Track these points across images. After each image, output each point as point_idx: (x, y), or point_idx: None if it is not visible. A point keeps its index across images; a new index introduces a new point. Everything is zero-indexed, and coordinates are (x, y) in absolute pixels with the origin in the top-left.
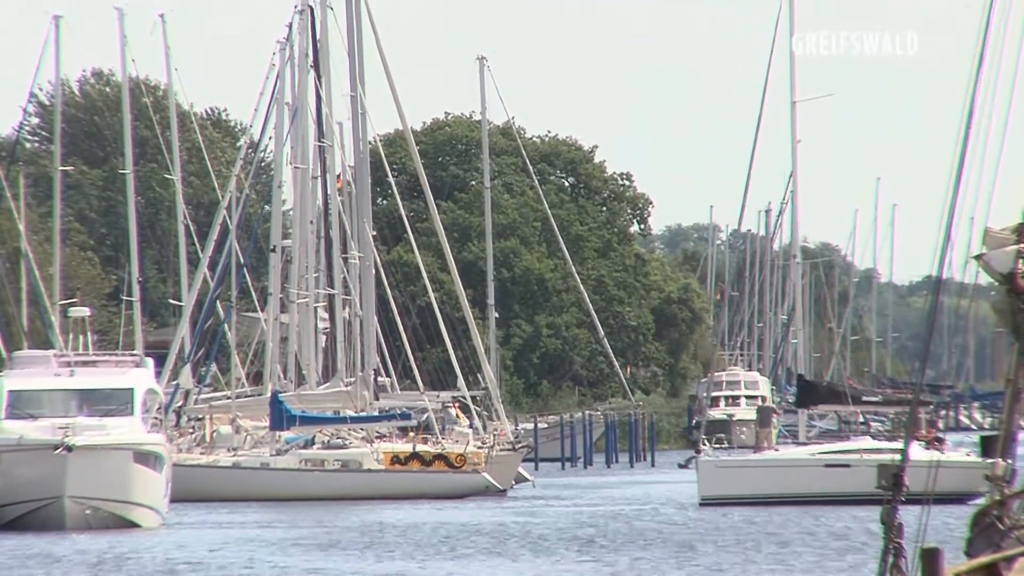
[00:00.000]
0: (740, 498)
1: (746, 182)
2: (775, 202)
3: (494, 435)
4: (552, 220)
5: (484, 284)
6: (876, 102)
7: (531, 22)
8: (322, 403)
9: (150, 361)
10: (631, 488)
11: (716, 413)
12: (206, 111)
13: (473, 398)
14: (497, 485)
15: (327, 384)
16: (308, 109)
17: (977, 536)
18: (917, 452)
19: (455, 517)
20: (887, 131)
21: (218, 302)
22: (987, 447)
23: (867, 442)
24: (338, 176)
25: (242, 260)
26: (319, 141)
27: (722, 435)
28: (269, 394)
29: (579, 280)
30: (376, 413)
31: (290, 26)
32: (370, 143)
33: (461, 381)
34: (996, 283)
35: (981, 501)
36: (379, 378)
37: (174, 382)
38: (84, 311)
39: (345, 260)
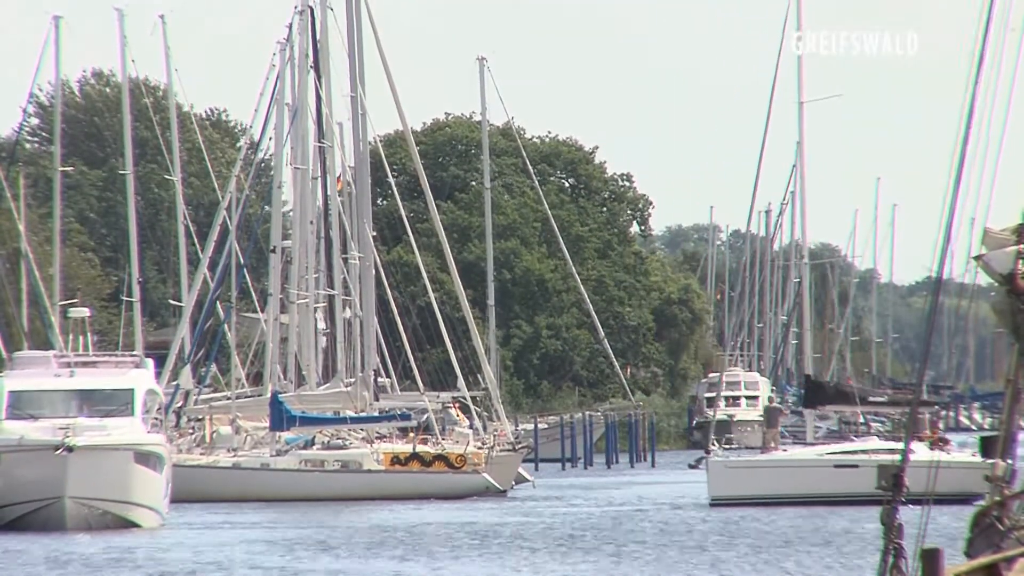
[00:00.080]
0: (750, 498)
1: (755, 182)
2: (775, 202)
3: (494, 436)
4: (552, 221)
5: (484, 284)
6: (876, 102)
7: (531, 22)
8: (322, 404)
9: (150, 362)
10: (633, 488)
11: (716, 413)
12: (206, 111)
13: (473, 398)
14: (497, 486)
15: (327, 385)
16: (308, 109)
17: (977, 536)
18: (922, 452)
19: (455, 517)
20: (887, 131)
21: (218, 303)
22: (987, 447)
23: (874, 442)
24: (338, 176)
25: (242, 261)
26: (319, 141)
27: (732, 436)
28: (269, 395)
29: (579, 281)
30: (376, 414)
31: (290, 26)
32: (370, 143)
33: (461, 381)
34: (996, 284)
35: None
36: (379, 379)
37: (174, 382)
38: (84, 312)
39: (345, 261)
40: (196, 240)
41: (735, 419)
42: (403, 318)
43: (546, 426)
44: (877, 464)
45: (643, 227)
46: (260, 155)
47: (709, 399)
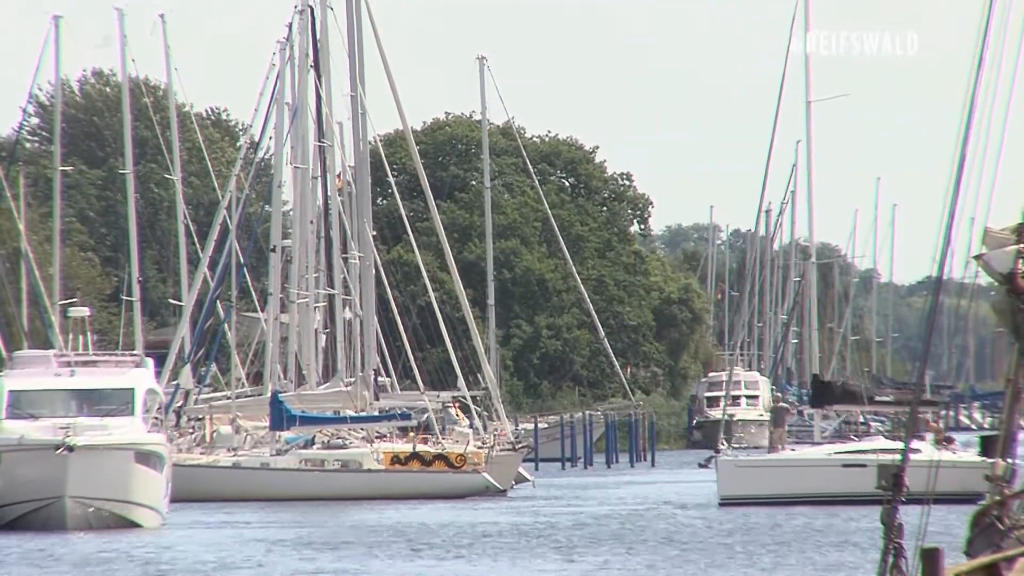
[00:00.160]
0: (759, 498)
1: (763, 181)
2: (775, 202)
3: (494, 435)
4: (552, 220)
5: (484, 284)
6: (876, 102)
7: (531, 22)
8: (322, 403)
9: (150, 361)
10: (635, 488)
11: (716, 413)
12: (206, 111)
13: (473, 398)
14: (497, 485)
15: (327, 384)
16: (308, 109)
17: (977, 536)
18: (929, 451)
19: (456, 518)
20: (887, 131)
21: (218, 302)
22: (987, 447)
23: (881, 442)
24: (338, 176)
25: (242, 260)
26: (319, 141)
27: (742, 435)
28: (269, 394)
29: (579, 280)
30: (376, 413)
31: (290, 26)
32: (370, 143)
33: (461, 381)
34: (996, 283)
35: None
36: (379, 378)
37: (174, 382)
38: (84, 311)
39: (345, 260)
40: (196, 240)
41: (735, 419)
42: (403, 318)
43: (546, 426)
44: (877, 464)
45: (643, 227)
46: (260, 154)
47: (709, 399)
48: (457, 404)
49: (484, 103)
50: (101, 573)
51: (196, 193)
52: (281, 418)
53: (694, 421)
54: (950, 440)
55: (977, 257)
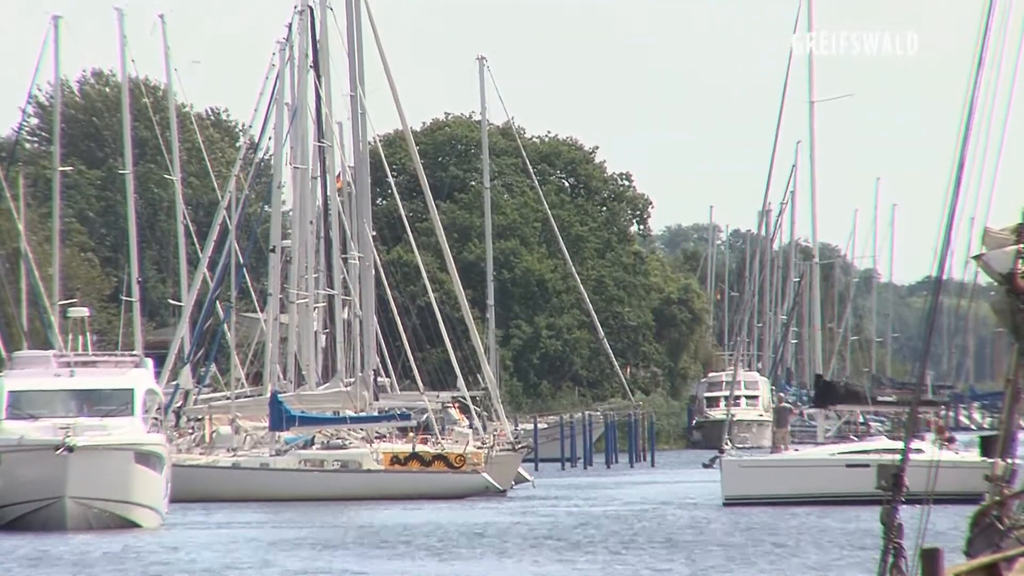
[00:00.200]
0: (763, 498)
1: (767, 181)
2: (775, 202)
3: (494, 435)
4: (552, 220)
5: (484, 284)
6: (876, 102)
7: (531, 22)
8: (322, 403)
9: (150, 361)
10: (635, 489)
11: (715, 413)
12: (206, 111)
13: (473, 398)
14: (497, 485)
15: (327, 384)
16: (308, 109)
17: (977, 536)
18: (930, 451)
19: (455, 518)
20: (887, 131)
21: (218, 302)
22: (987, 447)
23: (884, 442)
24: (338, 176)
25: (242, 260)
26: (319, 141)
27: (745, 435)
28: (269, 394)
29: (579, 280)
30: (376, 413)
31: (290, 26)
32: (370, 143)
33: (461, 381)
34: (996, 283)
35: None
36: (379, 378)
37: (174, 382)
38: (83, 311)
39: (345, 260)
40: (196, 240)
41: (735, 419)
42: (403, 318)
43: (546, 426)
44: (877, 464)
45: (643, 227)
46: (260, 155)
47: (709, 399)
48: (457, 404)
49: (484, 103)
50: (101, 573)
51: (196, 193)
52: (281, 418)
53: (694, 421)
54: (951, 439)
55: (977, 257)
